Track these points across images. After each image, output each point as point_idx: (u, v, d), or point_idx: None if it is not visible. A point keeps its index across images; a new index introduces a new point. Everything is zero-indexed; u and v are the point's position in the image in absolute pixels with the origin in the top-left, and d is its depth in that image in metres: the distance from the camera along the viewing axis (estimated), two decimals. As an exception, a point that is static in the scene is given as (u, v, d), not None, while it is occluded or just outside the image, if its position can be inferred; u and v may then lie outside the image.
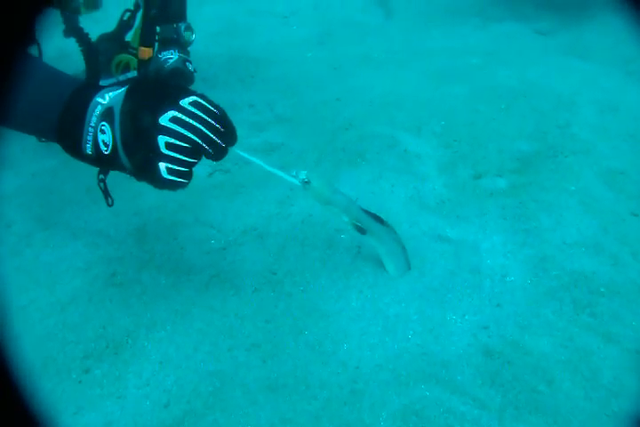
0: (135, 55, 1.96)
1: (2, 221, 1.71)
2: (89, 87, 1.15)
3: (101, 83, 1.90)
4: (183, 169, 1.08)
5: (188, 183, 1.11)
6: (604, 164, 1.83)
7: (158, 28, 1.94)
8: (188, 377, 1.27)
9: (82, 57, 1.95)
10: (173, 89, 1.10)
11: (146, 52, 1.87)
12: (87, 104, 1.11)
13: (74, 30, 1.92)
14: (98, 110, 1.10)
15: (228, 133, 1.12)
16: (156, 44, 1.94)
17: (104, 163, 1.13)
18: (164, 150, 1.05)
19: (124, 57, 2.03)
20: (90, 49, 1.94)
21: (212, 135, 1.09)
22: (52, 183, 1.87)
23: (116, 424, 1.19)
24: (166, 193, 1.74)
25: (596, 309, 1.39)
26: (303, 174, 1.30)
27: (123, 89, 1.10)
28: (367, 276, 1.49)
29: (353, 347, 1.32)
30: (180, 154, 1.06)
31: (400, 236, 1.47)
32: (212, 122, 1.09)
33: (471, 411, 1.18)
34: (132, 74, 1.99)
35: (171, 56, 1.91)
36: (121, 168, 1.12)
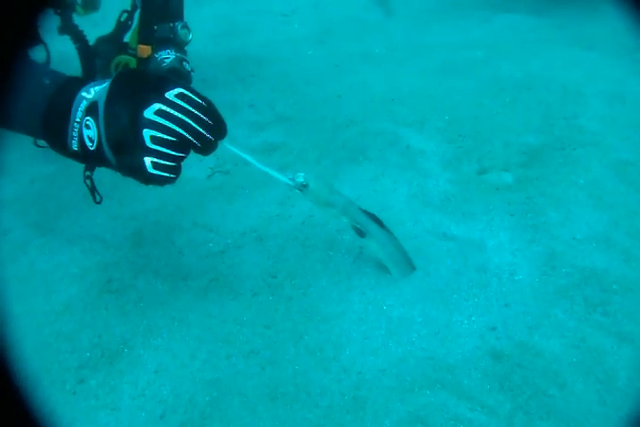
0: (134, 56, 1.94)
1: (-1, 229, 1.69)
2: (75, 82, 1.12)
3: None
4: (170, 163, 1.05)
5: (175, 178, 1.07)
6: (613, 155, 1.77)
7: (155, 28, 1.91)
8: (184, 386, 1.23)
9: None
10: (158, 81, 1.06)
11: (145, 50, 1.86)
12: (72, 99, 1.08)
13: (68, 28, 1.91)
14: (83, 105, 1.07)
15: (216, 126, 1.09)
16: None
17: (90, 159, 1.10)
18: (149, 144, 1.02)
19: (123, 58, 2.00)
20: (84, 46, 1.93)
21: (198, 128, 1.06)
22: (50, 189, 1.84)
23: (111, 437, 1.15)
24: (164, 196, 1.75)
25: (608, 307, 1.33)
26: (301, 177, 1.26)
27: (108, 82, 1.07)
28: (369, 277, 1.44)
29: (355, 352, 1.27)
30: (166, 148, 1.03)
31: (400, 238, 1.43)
32: (199, 114, 1.06)
33: (479, 417, 1.13)
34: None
35: (167, 56, 1.89)
36: (107, 164, 1.09)
